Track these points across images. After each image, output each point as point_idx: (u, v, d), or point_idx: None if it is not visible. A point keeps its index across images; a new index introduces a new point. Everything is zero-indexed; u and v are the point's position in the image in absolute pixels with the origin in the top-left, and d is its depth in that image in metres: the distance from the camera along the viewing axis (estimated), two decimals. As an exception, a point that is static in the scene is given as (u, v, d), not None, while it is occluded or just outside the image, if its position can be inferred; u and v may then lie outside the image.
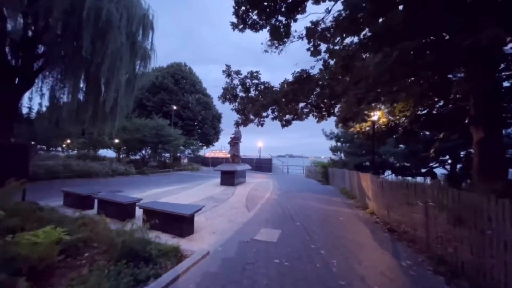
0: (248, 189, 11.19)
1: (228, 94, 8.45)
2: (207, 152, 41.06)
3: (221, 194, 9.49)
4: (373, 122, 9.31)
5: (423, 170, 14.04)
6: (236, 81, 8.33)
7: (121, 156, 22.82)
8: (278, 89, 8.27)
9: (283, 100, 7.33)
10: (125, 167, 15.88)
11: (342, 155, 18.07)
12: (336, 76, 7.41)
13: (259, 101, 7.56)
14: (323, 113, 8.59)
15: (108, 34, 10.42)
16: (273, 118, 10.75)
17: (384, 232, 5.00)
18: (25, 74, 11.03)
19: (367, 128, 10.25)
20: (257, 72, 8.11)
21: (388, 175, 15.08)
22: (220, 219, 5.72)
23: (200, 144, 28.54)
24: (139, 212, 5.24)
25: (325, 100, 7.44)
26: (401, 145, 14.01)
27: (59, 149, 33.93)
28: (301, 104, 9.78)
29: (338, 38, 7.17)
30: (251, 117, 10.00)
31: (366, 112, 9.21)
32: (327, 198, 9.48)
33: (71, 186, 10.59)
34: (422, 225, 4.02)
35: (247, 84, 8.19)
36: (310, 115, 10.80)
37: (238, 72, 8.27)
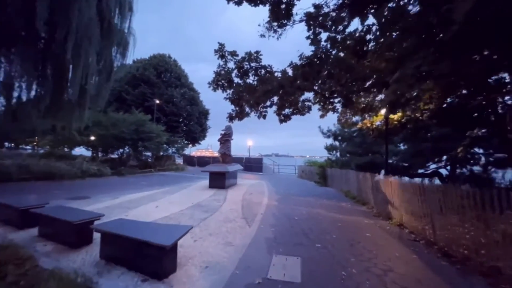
0: (242, 193, 9.73)
1: (221, 80, 6.95)
2: (193, 151, 39.03)
3: (211, 200, 7.97)
4: (387, 117, 8.17)
5: (426, 171, 13.29)
6: (231, 64, 6.86)
7: (98, 155, 20.47)
8: (281, 75, 6.90)
9: (291, 86, 5.93)
10: (98, 167, 13.83)
11: (338, 154, 17.08)
12: (344, 64, 6.15)
13: (261, 87, 6.11)
14: (336, 103, 7.30)
15: (72, 6, 8.54)
16: (262, 117, 9.42)
17: (437, 257, 3.75)
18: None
19: (378, 123, 9.15)
20: (257, 53, 6.66)
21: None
22: (213, 240, 4.24)
23: (186, 142, 26.60)
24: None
25: (341, 86, 6.09)
26: (399, 145, 13.21)
27: (28, 147, 30.54)
28: (307, 95, 8.48)
29: (344, 23, 5.91)
30: (247, 109, 8.55)
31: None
32: (335, 204, 8.24)
33: (22, 190, 8.62)
34: None
35: (245, 68, 6.73)
36: (314, 107, 9.57)
37: (234, 53, 6.78)
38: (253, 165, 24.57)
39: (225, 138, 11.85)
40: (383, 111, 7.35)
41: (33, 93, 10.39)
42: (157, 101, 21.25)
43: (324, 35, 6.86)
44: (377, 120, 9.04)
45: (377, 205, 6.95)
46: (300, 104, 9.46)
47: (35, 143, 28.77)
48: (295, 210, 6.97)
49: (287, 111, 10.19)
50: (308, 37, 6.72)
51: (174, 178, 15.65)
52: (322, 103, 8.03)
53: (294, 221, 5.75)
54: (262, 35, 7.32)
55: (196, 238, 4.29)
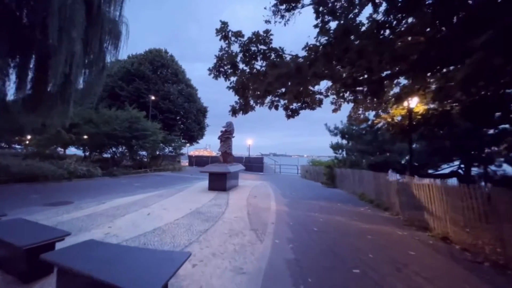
0: (245, 196, 8.72)
1: (224, 65, 5.92)
2: (191, 151, 37.84)
3: (212, 206, 6.94)
4: (410, 110, 7.22)
5: (437, 171, 12.38)
6: (235, 47, 5.83)
7: (91, 154, 19.30)
8: (290, 59, 5.88)
9: (308, 71, 4.91)
10: (88, 168, 12.72)
11: (344, 153, 16.15)
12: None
13: (273, 71, 5.08)
14: (358, 94, 6.31)
15: (51, -17, 7.49)
16: (274, 107, 8.44)
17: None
18: None
19: (399, 118, 8.20)
20: (267, 32, 5.63)
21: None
22: (217, 265, 3.22)
23: (183, 141, 25.48)
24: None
25: (369, 71, 5.06)
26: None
27: (19, 146, 29.08)
28: (318, 88, 7.52)
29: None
30: (252, 103, 7.54)
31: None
32: (352, 210, 7.26)
33: None
34: None
35: (252, 51, 5.70)
36: (325, 101, 8.59)
37: (239, 34, 5.75)
38: (253, 165, 23.58)
39: (226, 136, 10.82)
40: (413, 103, 6.39)
41: (10, 84, 9.32)
42: (153, 97, 20.11)
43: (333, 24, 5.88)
44: (398, 115, 8.09)
45: (405, 211, 5.98)
46: (310, 98, 8.48)
47: (27, 142, 27.40)
48: (311, 218, 5.97)
49: (295, 105, 9.23)
50: (316, 26, 5.74)
51: (170, 179, 14.59)
52: (342, 93, 7.03)
53: (314, 233, 4.76)
54: (268, 21, 6.29)
55: (195, 260, 3.27)
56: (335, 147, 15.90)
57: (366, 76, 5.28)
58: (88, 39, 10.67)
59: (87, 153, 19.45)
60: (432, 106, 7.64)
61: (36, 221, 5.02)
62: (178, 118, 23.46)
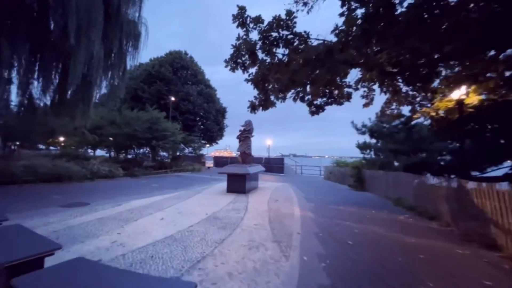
0: (266, 200, 8.07)
1: (241, 56, 5.33)
2: (212, 152, 38.01)
3: (230, 210, 6.38)
4: (460, 102, 6.09)
5: (483, 173, 10.74)
6: (254, 35, 5.23)
7: (118, 155, 19.89)
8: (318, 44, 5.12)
9: (340, 55, 4.14)
10: (110, 169, 12.88)
11: (373, 153, 14.84)
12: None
13: (300, 56, 4.38)
14: (400, 83, 5.41)
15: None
16: (299, 99, 7.73)
17: None
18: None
19: (442, 112, 7.06)
20: (290, 15, 4.93)
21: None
22: (234, 289, 2.61)
23: (203, 142, 25.49)
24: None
25: (417, 53, 4.15)
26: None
27: (54, 148, 31.04)
28: (353, 77, 6.66)
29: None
30: (273, 98, 6.88)
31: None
32: (389, 218, 6.30)
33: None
34: None
35: (273, 37, 5.05)
36: (356, 94, 7.71)
37: (258, 20, 5.13)
38: (273, 165, 22.83)
39: (245, 135, 10.26)
40: (461, 93, 5.32)
41: (37, 87, 9.54)
42: (173, 98, 20.23)
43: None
44: (443, 108, 6.96)
45: (460, 222, 4.94)
46: (338, 90, 7.63)
47: (62, 144, 29.10)
48: (343, 228, 5.16)
49: (320, 101, 8.43)
50: (341, 14, 4.91)
51: (189, 180, 14.38)
52: (378, 83, 6.13)
53: (349, 248, 3.97)
54: (289, 11, 5.61)
55: (207, 283, 2.68)
56: (363, 147, 14.66)
57: (411, 60, 4.37)
58: (108, 40, 10.75)
59: (111, 154, 20.07)
60: (486, 96, 6.43)
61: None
62: (197, 119, 23.47)
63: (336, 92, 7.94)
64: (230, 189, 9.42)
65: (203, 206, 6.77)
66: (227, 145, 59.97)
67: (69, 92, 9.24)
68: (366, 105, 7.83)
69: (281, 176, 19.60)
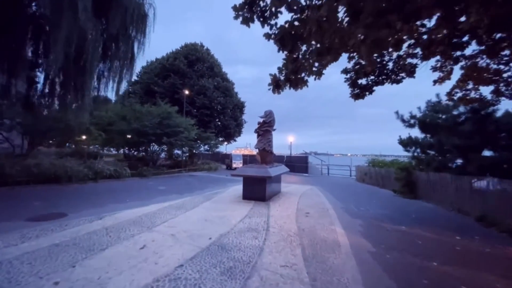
0: (292, 212, 6.06)
1: (259, -3, 3.37)
2: (231, 150, 36.42)
3: (244, 232, 4.47)
4: None
5: None
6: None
7: (130, 152, 19.01)
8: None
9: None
10: (115, 168, 11.64)
11: (419, 150, 12.10)
12: None
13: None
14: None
15: None
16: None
17: None
18: None
19: None
20: None
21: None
22: None
23: (220, 139, 23.93)
24: None
25: None
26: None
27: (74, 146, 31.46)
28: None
29: None
30: (303, 75, 4.81)
31: None
32: (499, 254, 3.98)
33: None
34: None
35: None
36: (421, 69, 5.42)
37: None
38: (296, 164, 20.62)
39: (265, 128, 8.29)
40: None
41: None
42: (187, 92, 18.80)
43: None
44: None
45: None
46: (399, 59, 5.39)
47: (89, 143, 29.24)
48: (432, 277, 3.01)
49: (365, 80, 6.28)
50: None
51: (202, 181, 12.76)
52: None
53: None
54: None
55: None
56: (406, 143, 11.99)
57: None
58: (106, 19, 9.34)
59: (126, 152, 19.21)
60: None
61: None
62: (214, 114, 21.93)
63: (392, 61, 5.70)
64: (247, 195, 7.55)
65: (208, 223, 4.93)
66: (248, 143, 58.42)
67: (57, 80, 7.95)
68: (440, 80, 5.48)
69: (306, 177, 17.39)
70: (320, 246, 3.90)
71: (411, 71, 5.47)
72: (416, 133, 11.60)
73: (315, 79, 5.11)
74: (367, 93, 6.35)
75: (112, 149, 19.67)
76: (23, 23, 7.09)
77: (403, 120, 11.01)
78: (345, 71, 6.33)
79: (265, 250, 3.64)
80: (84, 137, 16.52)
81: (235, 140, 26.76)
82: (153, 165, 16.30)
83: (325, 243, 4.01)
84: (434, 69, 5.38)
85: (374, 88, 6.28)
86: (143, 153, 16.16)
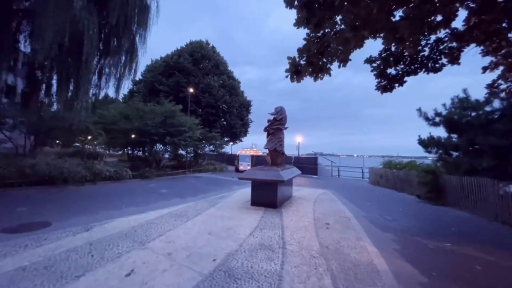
0: (310, 223, 5.22)
1: None
2: (237, 150, 35.61)
3: (256, 250, 3.66)
4: None
5: None
6: None
7: (133, 152, 18.47)
8: None
9: None
10: (115, 169, 11.00)
11: (441, 151, 11.06)
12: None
13: None
14: None
15: None
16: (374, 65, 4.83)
17: None
18: None
19: None
20: None
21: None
22: None
23: (226, 139, 23.19)
24: None
25: None
26: None
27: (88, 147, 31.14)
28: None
29: None
30: (325, 60, 4.00)
31: None
32: None
33: None
34: None
35: None
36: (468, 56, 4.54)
37: None
38: (305, 166, 19.66)
39: (276, 126, 7.47)
40: None
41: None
42: (191, 90, 18.14)
43: None
44: None
45: None
46: (440, 43, 4.52)
47: (95, 142, 28.82)
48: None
49: (393, 70, 5.45)
50: None
51: (207, 182, 12.02)
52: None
53: None
54: None
55: None
56: (427, 143, 10.97)
57: None
58: (108, 11, 8.71)
59: (128, 152, 18.68)
60: None
61: None
62: (219, 113, 21.21)
63: (425, 51, 4.82)
64: (256, 201, 6.75)
65: (212, 237, 4.14)
66: (254, 144, 57.59)
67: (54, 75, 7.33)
68: (493, 67, 4.56)
69: (316, 179, 16.47)
70: (353, 272, 3.06)
71: (455, 57, 4.57)
72: (439, 132, 10.62)
73: (339, 66, 4.30)
74: (396, 85, 5.48)
75: (117, 149, 19.16)
76: (12, 15, 6.49)
77: (426, 118, 10.02)
78: (370, 60, 5.49)
79: (285, 279, 2.83)
80: (87, 137, 16.06)
81: (241, 140, 26.00)
82: (157, 166, 15.68)
83: (359, 269, 3.17)
84: (485, 53, 4.45)
85: (406, 78, 5.40)
86: (146, 154, 15.52)
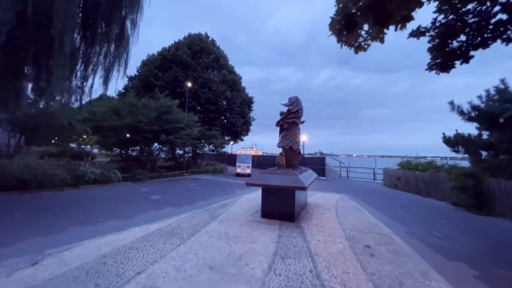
0: (344, 245, 3.88)
1: None
2: (236, 150, 34.33)
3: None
4: None
5: None
6: None
7: (127, 152, 17.11)
8: None
9: None
10: (102, 171, 9.62)
11: (464, 151, 9.75)
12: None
13: None
14: None
15: None
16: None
17: None
18: None
19: None
20: None
21: None
22: None
23: (226, 138, 21.82)
24: None
25: None
26: None
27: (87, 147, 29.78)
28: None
29: None
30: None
31: None
32: None
33: None
34: None
35: None
36: None
37: None
38: (311, 166, 18.27)
39: (290, 119, 6.11)
40: None
41: None
42: (189, 84, 16.76)
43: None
44: None
45: None
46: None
47: (91, 143, 27.40)
48: None
49: (454, 43, 4.15)
50: None
51: (206, 186, 10.65)
52: None
53: None
54: None
55: None
56: (454, 142, 9.64)
57: None
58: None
59: (122, 152, 17.33)
60: None
61: None
62: (220, 110, 19.83)
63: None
64: (267, 213, 5.41)
65: (216, 274, 2.78)
66: (253, 143, 56.30)
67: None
68: None
69: (325, 181, 15.16)
70: None
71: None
72: (470, 129, 9.29)
73: (396, 29, 2.95)
74: (458, 61, 4.14)
75: (113, 148, 17.76)
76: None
77: (461, 112, 8.71)
78: (417, 32, 4.21)
79: None
80: (82, 136, 14.67)
81: (242, 140, 24.61)
82: (152, 167, 14.32)
83: None
84: None
85: (472, 53, 4.06)
86: (137, 153, 14.16)
